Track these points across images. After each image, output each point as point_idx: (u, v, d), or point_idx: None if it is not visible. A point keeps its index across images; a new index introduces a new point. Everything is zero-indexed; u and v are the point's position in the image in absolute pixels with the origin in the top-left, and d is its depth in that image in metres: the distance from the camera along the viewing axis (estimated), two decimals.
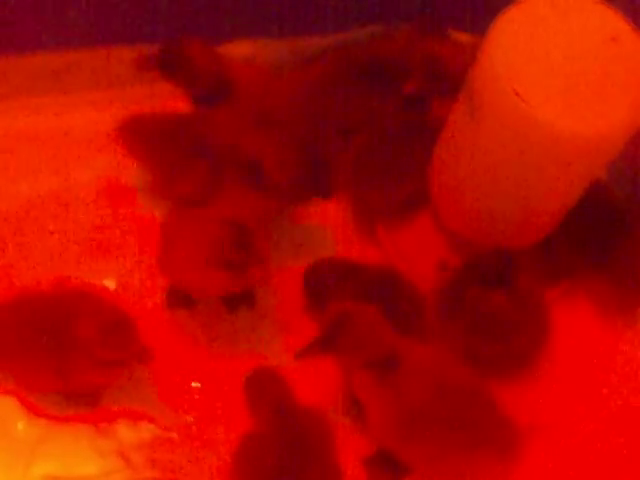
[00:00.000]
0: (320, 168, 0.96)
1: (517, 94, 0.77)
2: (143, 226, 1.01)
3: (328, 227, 1.03)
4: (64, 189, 1.02)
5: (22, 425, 0.89)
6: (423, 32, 1.04)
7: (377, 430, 0.85)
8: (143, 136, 0.95)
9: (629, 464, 0.95)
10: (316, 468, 0.84)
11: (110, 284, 0.98)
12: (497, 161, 0.85)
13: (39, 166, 1.03)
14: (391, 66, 1.02)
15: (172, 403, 0.92)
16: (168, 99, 1.06)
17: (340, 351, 0.81)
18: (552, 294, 0.98)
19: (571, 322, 0.99)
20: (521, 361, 0.94)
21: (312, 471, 0.84)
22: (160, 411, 0.91)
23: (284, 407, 0.87)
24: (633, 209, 0.99)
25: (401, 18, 1.06)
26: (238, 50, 1.07)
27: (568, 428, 0.95)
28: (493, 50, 0.79)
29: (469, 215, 0.95)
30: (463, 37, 1.08)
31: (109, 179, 1.03)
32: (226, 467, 0.86)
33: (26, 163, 1.03)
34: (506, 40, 0.79)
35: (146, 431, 0.90)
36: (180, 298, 0.95)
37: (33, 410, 0.90)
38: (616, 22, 0.80)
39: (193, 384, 0.93)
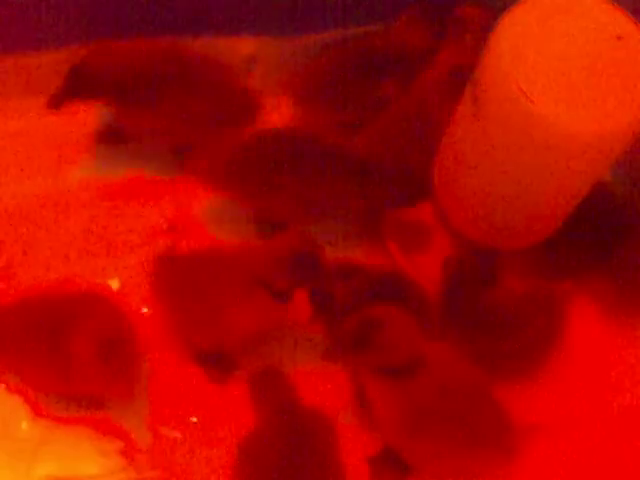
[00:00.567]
0: None
1: (522, 92, 0.76)
2: (148, 225, 1.01)
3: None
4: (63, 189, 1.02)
5: (25, 425, 0.89)
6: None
7: (383, 428, 0.85)
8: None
9: (631, 465, 0.95)
10: (319, 468, 0.84)
11: (113, 284, 0.97)
12: (501, 159, 0.85)
13: (38, 165, 1.03)
14: (388, 57, 1.02)
15: (174, 403, 0.92)
16: None
17: (369, 354, 0.80)
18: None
19: (573, 322, 0.98)
20: (524, 361, 0.94)
21: (315, 470, 0.84)
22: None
23: (288, 406, 0.87)
24: (636, 210, 0.99)
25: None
26: (240, 48, 1.07)
27: (570, 428, 0.95)
28: (498, 48, 0.79)
29: (472, 214, 0.95)
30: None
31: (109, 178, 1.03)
32: (229, 467, 0.86)
33: (26, 162, 1.02)
34: (511, 38, 0.78)
35: (148, 431, 0.90)
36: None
37: (36, 410, 0.89)
38: (621, 21, 0.80)
39: (194, 384, 0.93)
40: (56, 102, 0.93)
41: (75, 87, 0.92)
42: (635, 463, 0.95)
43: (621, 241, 0.97)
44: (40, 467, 0.88)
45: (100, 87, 0.92)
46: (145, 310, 0.95)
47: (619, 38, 0.79)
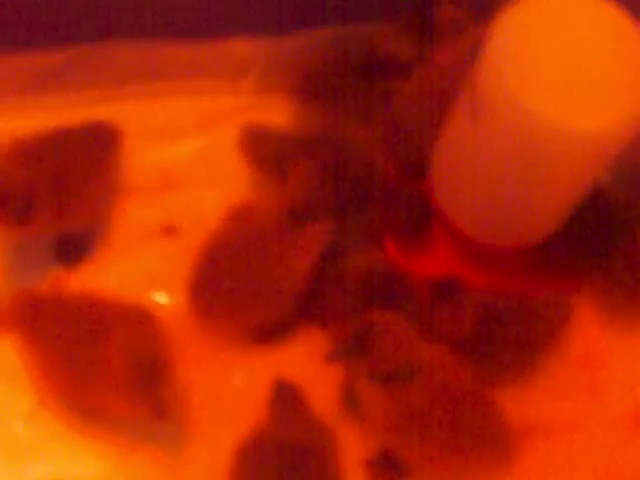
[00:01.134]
0: None
1: (519, 91, 0.76)
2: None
3: None
4: None
5: (21, 426, 0.89)
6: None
7: (377, 431, 0.85)
8: None
9: (629, 467, 0.94)
10: (317, 470, 0.84)
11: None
12: (499, 159, 0.84)
13: None
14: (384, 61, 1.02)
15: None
16: (165, 96, 1.08)
17: (365, 360, 0.81)
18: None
19: (570, 323, 0.98)
20: (522, 362, 0.93)
21: (313, 473, 0.83)
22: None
23: (293, 413, 0.87)
24: (635, 211, 0.98)
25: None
26: (236, 50, 1.07)
27: (568, 430, 0.95)
28: (495, 47, 0.78)
29: (470, 214, 0.95)
30: None
31: None
32: (227, 468, 0.85)
33: None
34: (508, 37, 0.78)
35: (146, 431, 0.89)
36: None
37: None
38: (619, 20, 0.80)
39: (193, 383, 0.92)
40: None
41: None
42: (633, 465, 0.94)
43: (620, 242, 0.96)
44: (37, 468, 0.88)
45: None
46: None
47: (617, 37, 0.79)
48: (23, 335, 0.86)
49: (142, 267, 0.98)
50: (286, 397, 0.88)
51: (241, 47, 1.07)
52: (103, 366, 0.80)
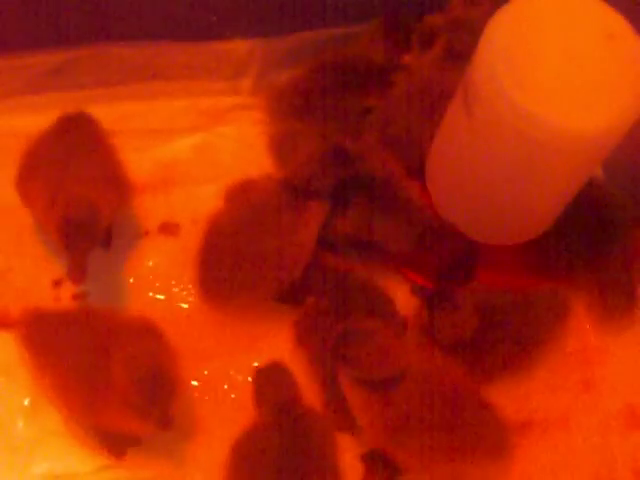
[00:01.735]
0: None
1: (512, 90, 0.77)
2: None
3: None
4: None
5: (21, 424, 0.89)
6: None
7: (367, 433, 0.85)
8: None
9: (624, 461, 0.95)
10: (315, 467, 0.84)
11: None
12: (493, 158, 0.85)
13: None
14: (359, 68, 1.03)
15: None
16: (164, 96, 1.08)
17: (351, 367, 0.81)
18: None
19: (567, 319, 0.98)
20: (514, 361, 0.93)
21: (311, 470, 0.83)
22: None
23: (287, 403, 0.87)
24: (629, 208, 0.99)
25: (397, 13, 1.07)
26: (233, 51, 1.08)
27: (563, 425, 0.95)
28: (489, 47, 0.79)
29: (465, 211, 0.95)
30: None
31: None
32: (223, 466, 0.85)
33: None
34: (502, 37, 0.79)
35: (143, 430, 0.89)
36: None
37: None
38: (612, 19, 0.81)
39: (192, 382, 0.93)
40: None
41: None
42: (627, 460, 0.95)
43: (613, 238, 0.97)
44: (36, 464, 0.87)
45: None
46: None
47: (610, 36, 0.80)
48: (28, 351, 0.87)
49: (142, 264, 0.98)
50: (268, 378, 0.89)
51: (238, 48, 1.08)
52: (107, 382, 0.80)
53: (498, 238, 0.97)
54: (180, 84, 1.09)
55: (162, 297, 0.97)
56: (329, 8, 1.04)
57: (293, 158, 0.93)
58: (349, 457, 0.89)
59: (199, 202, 1.01)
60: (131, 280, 0.97)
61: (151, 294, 0.97)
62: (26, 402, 0.89)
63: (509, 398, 0.93)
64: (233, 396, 0.93)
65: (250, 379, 0.91)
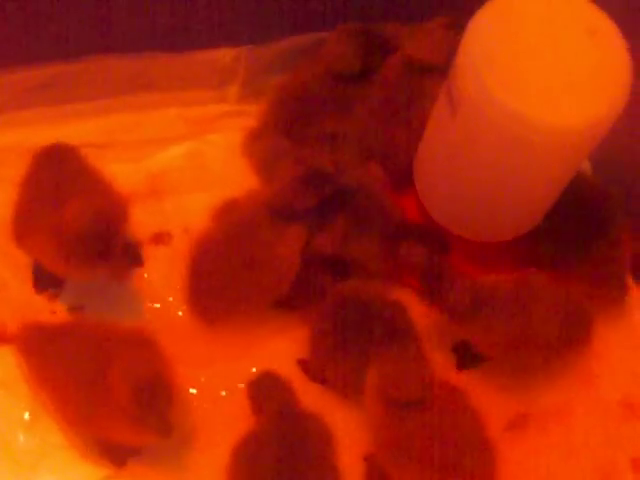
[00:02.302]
0: None
1: (496, 89, 0.77)
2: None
3: None
4: None
5: (22, 436, 0.89)
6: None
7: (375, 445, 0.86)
8: None
9: (623, 453, 0.95)
10: (315, 470, 0.84)
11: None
12: (479, 156, 0.85)
13: None
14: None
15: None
16: (152, 106, 1.09)
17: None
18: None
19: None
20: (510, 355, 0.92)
21: (311, 473, 0.84)
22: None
23: (284, 408, 0.87)
24: (616, 199, 0.99)
25: (381, 17, 1.07)
26: (219, 59, 1.09)
27: (562, 417, 0.96)
28: (471, 45, 0.80)
29: (452, 210, 0.96)
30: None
31: None
32: (224, 472, 0.86)
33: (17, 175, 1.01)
34: (484, 36, 0.79)
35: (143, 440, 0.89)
36: None
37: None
38: (593, 14, 0.81)
39: (190, 390, 0.93)
40: None
41: None
42: (625, 452, 0.95)
43: (601, 230, 0.97)
44: (37, 477, 0.87)
45: None
46: None
47: (591, 31, 0.80)
48: (27, 365, 0.87)
49: (137, 274, 0.98)
50: (261, 388, 0.89)
51: (224, 56, 1.09)
52: (106, 393, 0.80)
53: (488, 235, 0.97)
54: (168, 94, 1.09)
55: (158, 306, 0.97)
56: (314, 13, 1.05)
57: (275, 177, 0.94)
58: (348, 458, 0.89)
59: (191, 211, 1.01)
60: (126, 290, 0.97)
61: (146, 303, 0.97)
62: (26, 416, 0.90)
63: (507, 391, 0.93)
64: (231, 402, 0.93)
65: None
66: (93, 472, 0.88)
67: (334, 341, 0.90)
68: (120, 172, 0.97)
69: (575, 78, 0.78)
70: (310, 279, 0.93)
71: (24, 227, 0.90)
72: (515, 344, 0.88)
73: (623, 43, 0.80)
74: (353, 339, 0.89)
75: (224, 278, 0.91)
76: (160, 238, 1.01)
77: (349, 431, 0.91)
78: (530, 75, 0.78)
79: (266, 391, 0.89)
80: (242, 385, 0.93)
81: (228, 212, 0.96)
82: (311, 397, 0.91)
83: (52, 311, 0.96)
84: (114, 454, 0.89)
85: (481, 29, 0.80)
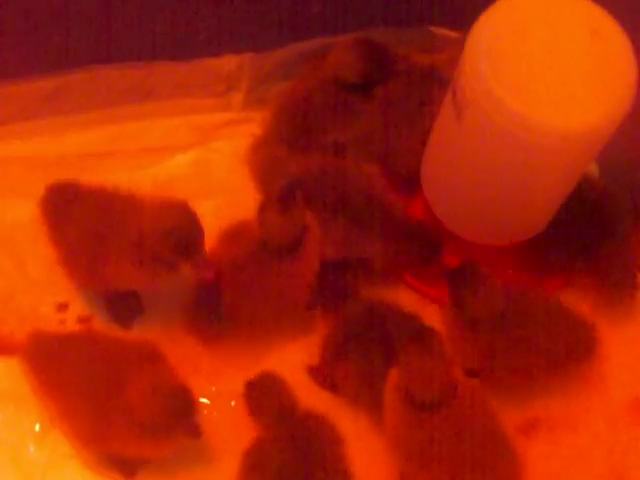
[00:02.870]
0: None
1: (500, 92, 0.77)
2: None
3: None
4: None
5: (32, 448, 0.89)
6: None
7: (395, 451, 0.85)
8: None
9: (632, 456, 0.95)
10: (322, 474, 0.84)
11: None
12: (485, 159, 0.85)
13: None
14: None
15: None
16: (157, 115, 1.09)
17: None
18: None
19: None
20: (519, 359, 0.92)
21: (320, 475, 0.84)
22: None
23: (288, 412, 0.87)
24: (624, 202, 0.99)
25: (381, 24, 1.07)
26: (223, 66, 1.09)
27: (571, 421, 0.96)
28: (476, 48, 0.80)
29: (462, 213, 0.95)
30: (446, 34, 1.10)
31: None
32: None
33: (23, 185, 1.02)
34: (489, 38, 0.79)
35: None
36: None
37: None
38: (596, 15, 0.81)
39: (201, 399, 0.93)
40: None
41: None
42: (634, 455, 0.95)
43: (609, 233, 0.97)
44: None
45: None
46: None
47: (596, 33, 0.80)
48: (35, 376, 0.87)
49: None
50: (260, 390, 0.89)
51: (228, 63, 1.09)
52: (116, 406, 0.81)
53: (495, 238, 0.97)
54: (172, 102, 1.10)
55: (167, 315, 0.97)
56: (316, 20, 1.05)
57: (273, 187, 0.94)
58: (359, 465, 0.89)
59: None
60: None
61: (155, 313, 0.97)
62: (37, 427, 0.90)
63: (517, 395, 0.93)
64: (241, 412, 0.92)
65: None
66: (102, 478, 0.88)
67: (344, 348, 0.90)
68: (126, 180, 0.97)
69: (581, 80, 0.78)
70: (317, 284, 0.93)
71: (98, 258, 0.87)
72: (515, 363, 0.89)
73: (628, 45, 0.80)
74: (363, 345, 0.89)
75: (240, 309, 0.92)
76: None
77: (359, 436, 0.91)
78: (535, 78, 0.78)
79: (264, 393, 0.89)
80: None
81: (236, 237, 0.94)
82: (321, 404, 0.91)
83: (61, 321, 0.96)
84: (124, 465, 0.88)
85: (485, 32, 0.80)
